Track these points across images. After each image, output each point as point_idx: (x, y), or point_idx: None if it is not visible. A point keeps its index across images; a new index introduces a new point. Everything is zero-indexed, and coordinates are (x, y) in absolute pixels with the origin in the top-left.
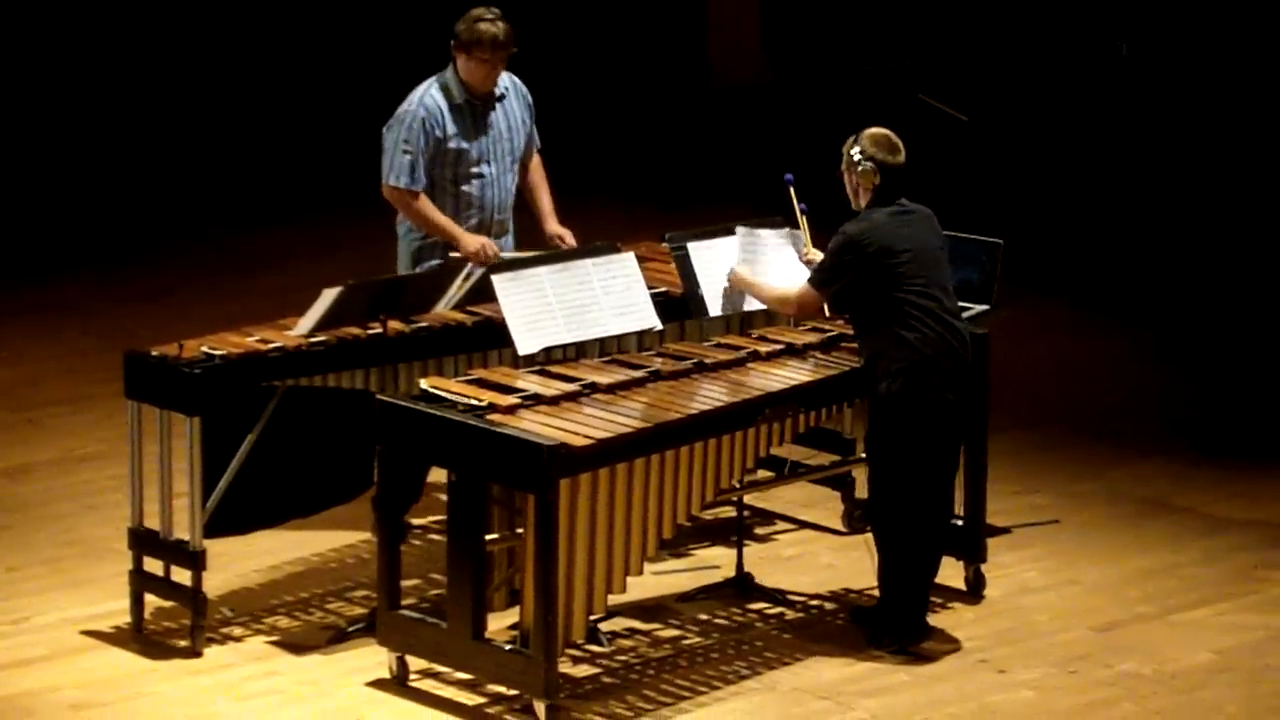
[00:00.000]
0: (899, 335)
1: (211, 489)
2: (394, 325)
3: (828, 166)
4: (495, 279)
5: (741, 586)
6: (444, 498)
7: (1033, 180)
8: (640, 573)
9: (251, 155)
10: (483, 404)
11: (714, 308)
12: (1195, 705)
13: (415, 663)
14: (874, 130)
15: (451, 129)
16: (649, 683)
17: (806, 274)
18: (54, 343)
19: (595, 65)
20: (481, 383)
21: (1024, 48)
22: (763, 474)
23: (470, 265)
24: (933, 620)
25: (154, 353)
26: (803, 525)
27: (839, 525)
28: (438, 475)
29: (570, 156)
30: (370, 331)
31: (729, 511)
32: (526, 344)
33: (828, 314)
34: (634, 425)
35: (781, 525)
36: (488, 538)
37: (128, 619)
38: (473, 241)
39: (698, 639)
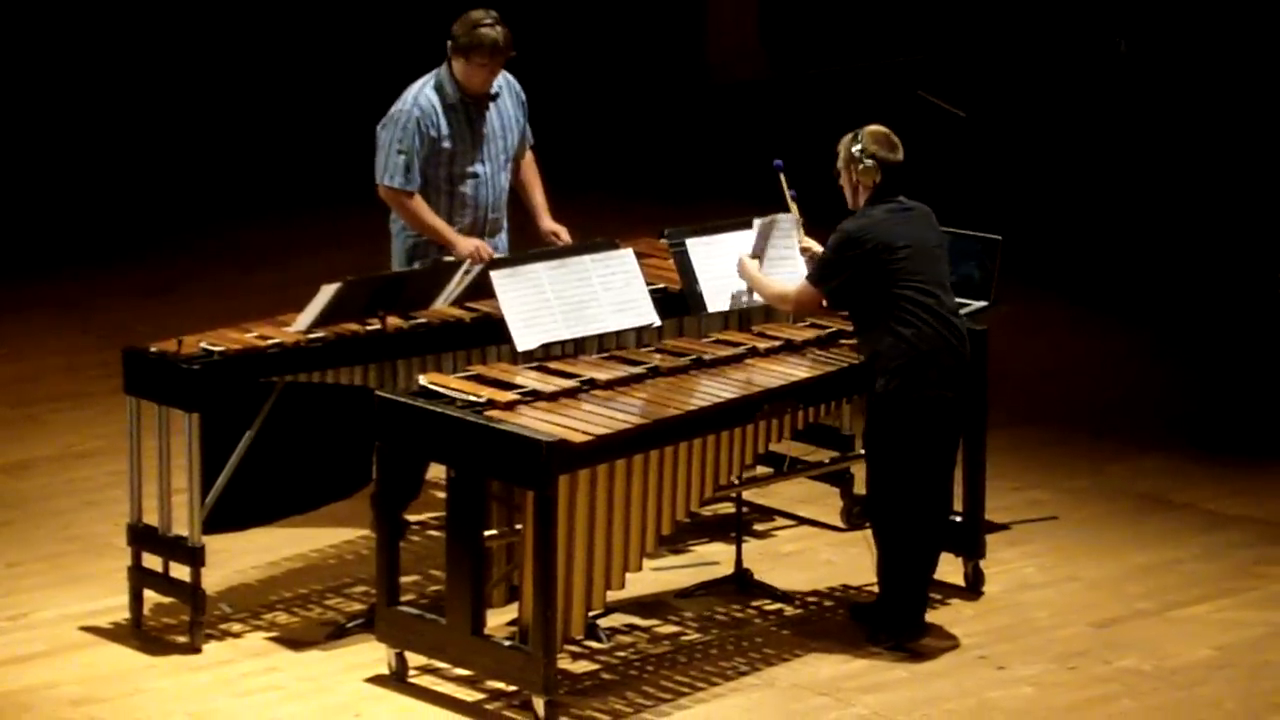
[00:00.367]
0: (897, 332)
1: (210, 485)
2: (393, 321)
3: (827, 163)
4: (494, 275)
5: (740, 583)
6: (442, 494)
7: (1031, 177)
8: (639, 569)
9: (250, 151)
10: (481, 400)
11: (713, 304)
12: (1194, 701)
13: (414, 659)
14: (874, 128)
15: (445, 129)
16: (648, 679)
17: (804, 271)
18: (54, 339)
19: (594, 62)
20: (480, 379)
21: (1022, 44)
22: (761, 470)
23: (469, 261)
24: (932, 616)
25: (153, 349)
26: (802, 521)
27: (838, 521)
28: (437, 471)
29: (569, 153)
30: (369, 328)
31: (728, 508)
32: (525, 340)
33: (824, 305)
34: (633, 421)
35: (780, 521)
36: (487, 534)
37: (127, 615)
38: (467, 245)
39: (697, 635)
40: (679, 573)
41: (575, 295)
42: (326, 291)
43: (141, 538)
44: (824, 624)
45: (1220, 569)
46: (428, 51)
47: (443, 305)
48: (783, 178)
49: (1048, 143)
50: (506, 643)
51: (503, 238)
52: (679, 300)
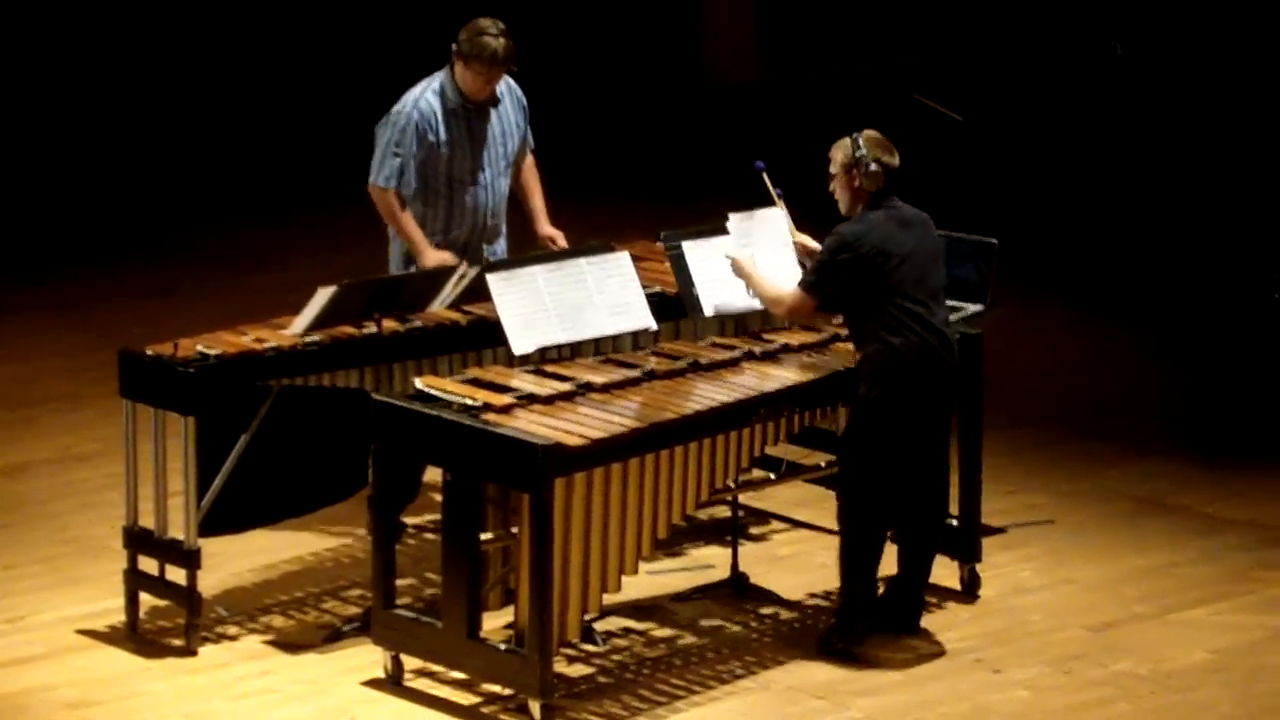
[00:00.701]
0: (886, 340)
1: (206, 488)
2: (389, 324)
3: (824, 165)
4: (490, 278)
5: (736, 586)
6: (439, 497)
7: (1028, 179)
8: (635, 572)
9: (248, 153)
10: (478, 403)
11: (709, 307)
12: (1191, 705)
13: (410, 662)
14: (870, 133)
15: (444, 134)
16: (644, 682)
17: (796, 267)
18: (51, 341)
19: (590, 64)
20: (476, 382)
21: (1018, 47)
22: (757, 474)
23: (465, 264)
24: (927, 620)
25: (149, 352)
26: (797, 525)
27: (834, 525)
28: (433, 475)
29: (565, 155)
30: (365, 331)
31: (724, 511)
32: (521, 343)
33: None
34: (629, 425)
35: (776, 525)
36: (483, 537)
37: (123, 618)
38: (432, 258)
39: (692, 638)
40: (675, 576)
41: (571, 298)
42: (323, 294)
43: (137, 540)
44: (819, 627)
45: (1217, 572)
46: (428, 53)
47: (439, 308)
48: (766, 178)
49: (1044, 146)
50: (502, 646)
51: (502, 243)
52: (675, 304)
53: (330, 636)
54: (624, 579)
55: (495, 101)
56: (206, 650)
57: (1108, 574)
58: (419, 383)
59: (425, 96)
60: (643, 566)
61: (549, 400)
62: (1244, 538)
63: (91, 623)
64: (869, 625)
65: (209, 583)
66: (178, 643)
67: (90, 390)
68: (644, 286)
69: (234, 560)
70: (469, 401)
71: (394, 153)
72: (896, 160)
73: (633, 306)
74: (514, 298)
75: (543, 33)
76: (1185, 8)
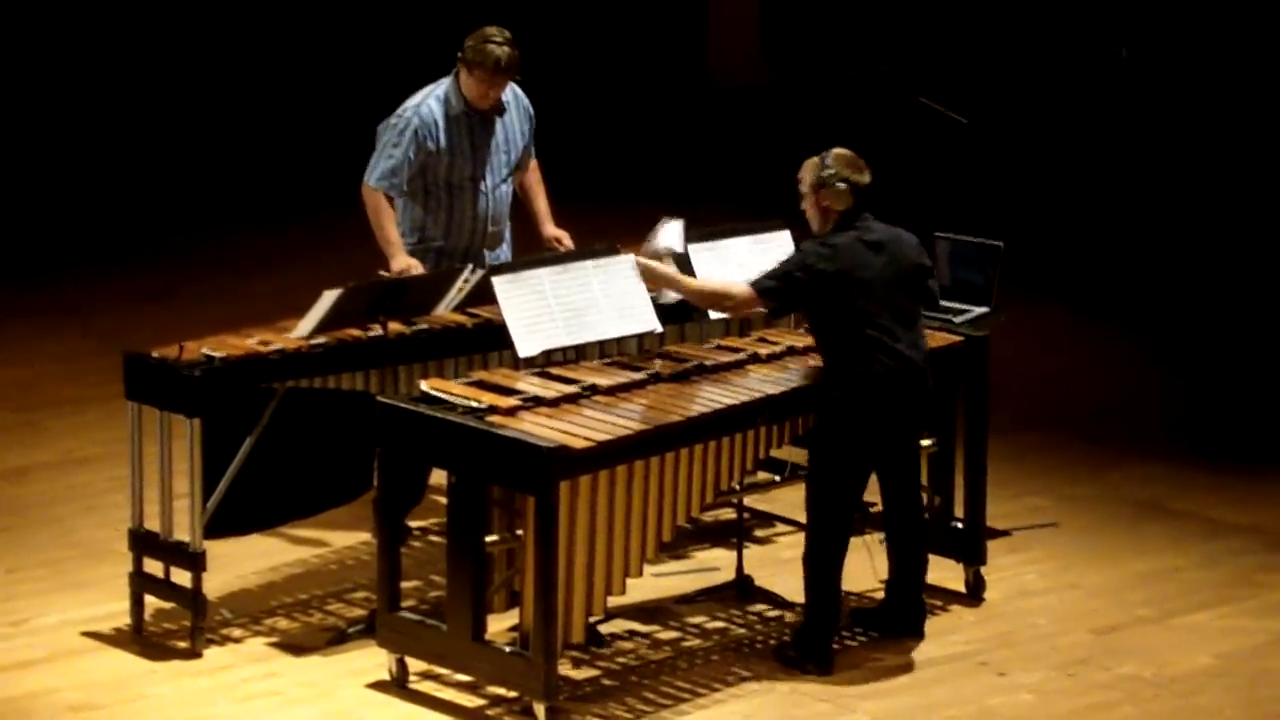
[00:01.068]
0: (847, 365)
1: (211, 490)
2: (394, 327)
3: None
4: (495, 281)
5: (741, 588)
6: (444, 500)
7: (1033, 183)
8: (640, 575)
9: (251, 156)
10: (483, 406)
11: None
12: (1194, 709)
13: (415, 664)
14: (840, 150)
15: (444, 140)
16: (649, 685)
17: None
18: (54, 344)
19: (596, 67)
20: (482, 384)
21: (1024, 51)
22: (763, 476)
23: (471, 267)
24: (932, 622)
25: (154, 354)
26: (802, 527)
27: None
28: (438, 477)
29: (571, 158)
30: (370, 333)
31: (729, 514)
32: (526, 346)
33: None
34: (634, 427)
35: (781, 527)
36: (487, 539)
37: (128, 620)
38: (400, 262)
39: (697, 641)
40: (680, 578)
41: (577, 301)
42: (328, 297)
43: (142, 543)
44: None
45: (1221, 576)
46: (431, 58)
47: (444, 311)
48: None
49: (1049, 149)
50: (507, 648)
51: (504, 250)
52: (680, 306)
53: (335, 639)
54: (629, 581)
55: (500, 110)
56: (211, 653)
57: (1111, 578)
58: (424, 385)
59: (428, 102)
60: (648, 569)
61: (554, 403)
62: (1247, 542)
63: (96, 625)
64: (832, 647)
65: (214, 585)
66: (183, 645)
67: (92, 393)
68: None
69: (239, 563)
70: (474, 404)
71: (389, 155)
72: (867, 178)
73: (638, 309)
74: (519, 300)
75: (549, 36)
76: (1190, 13)
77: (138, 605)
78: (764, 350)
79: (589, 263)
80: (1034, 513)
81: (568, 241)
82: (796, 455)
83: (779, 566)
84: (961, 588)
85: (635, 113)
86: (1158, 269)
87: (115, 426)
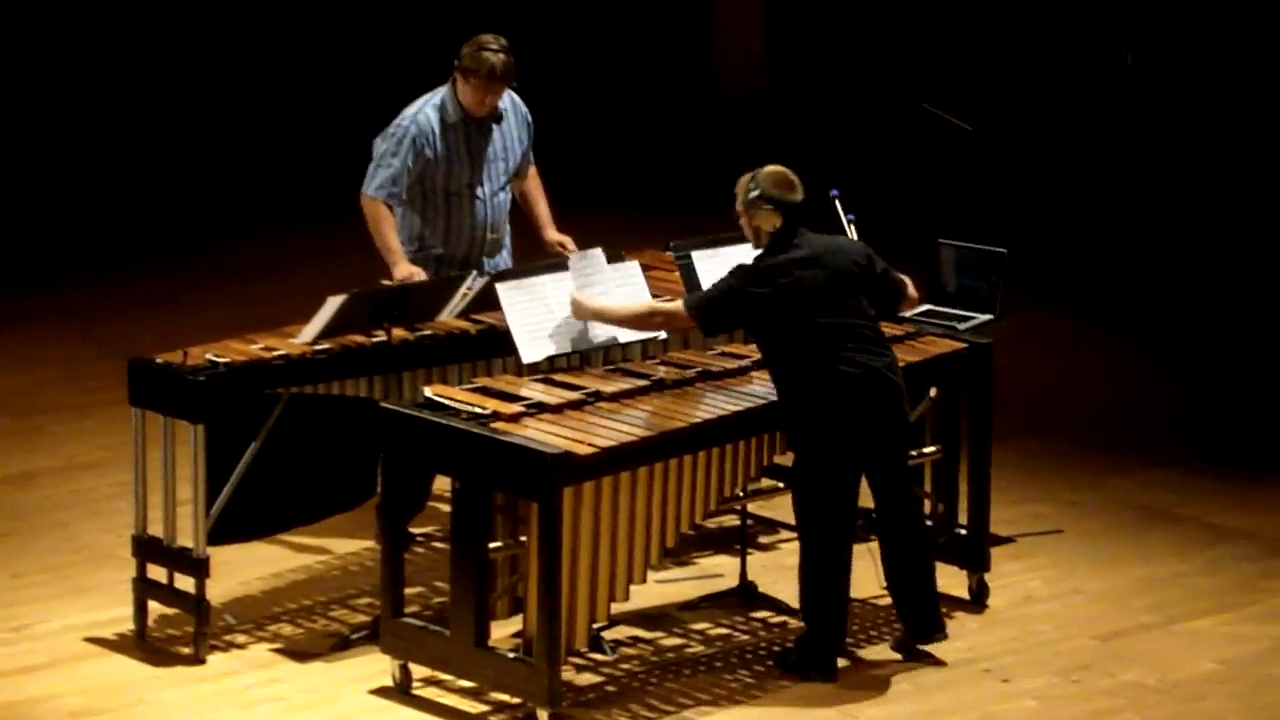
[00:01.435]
0: (804, 382)
1: (215, 496)
2: (398, 333)
3: (827, 174)
4: (499, 287)
5: (745, 595)
6: (447, 507)
7: (1037, 190)
8: (643, 581)
9: (254, 161)
10: (487, 412)
11: None
12: (1198, 715)
13: (418, 670)
14: (770, 168)
15: (442, 148)
16: (652, 691)
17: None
18: (57, 349)
19: (600, 73)
20: (486, 391)
21: (1028, 57)
22: (766, 482)
23: (474, 273)
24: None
25: (158, 360)
26: None
27: None
28: (442, 484)
29: (574, 165)
30: (375, 339)
31: (732, 520)
32: (530, 352)
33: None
34: (638, 434)
35: (785, 534)
36: (491, 545)
37: (131, 626)
38: (403, 270)
39: (701, 647)
40: (683, 585)
41: None
42: (332, 303)
43: (146, 549)
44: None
45: (1224, 583)
46: (432, 64)
47: (448, 317)
48: (838, 205)
49: (1053, 156)
50: (511, 654)
51: (504, 257)
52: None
53: (339, 645)
54: (632, 588)
55: (498, 117)
56: (215, 659)
57: (1115, 584)
58: (428, 391)
59: (425, 111)
60: (651, 575)
61: (558, 409)
62: (1250, 548)
63: (99, 631)
64: (836, 656)
65: (217, 591)
66: (186, 651)
67: (95, 399)
68: (654, 295)
69: (243, 569)
70: (478, 410)
71: (387, 164)
72: (798, 196)
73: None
74: (523, 307)
75: (553, 42)
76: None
77: (141, 611)
78: None
79: (602, 255)
80: (1037, 519)
81: (571, 245)
82: None
83: (783, 573)
84: (965, 594)
85: (639, 119)
86: (1161, 275)
87: (118, 432)
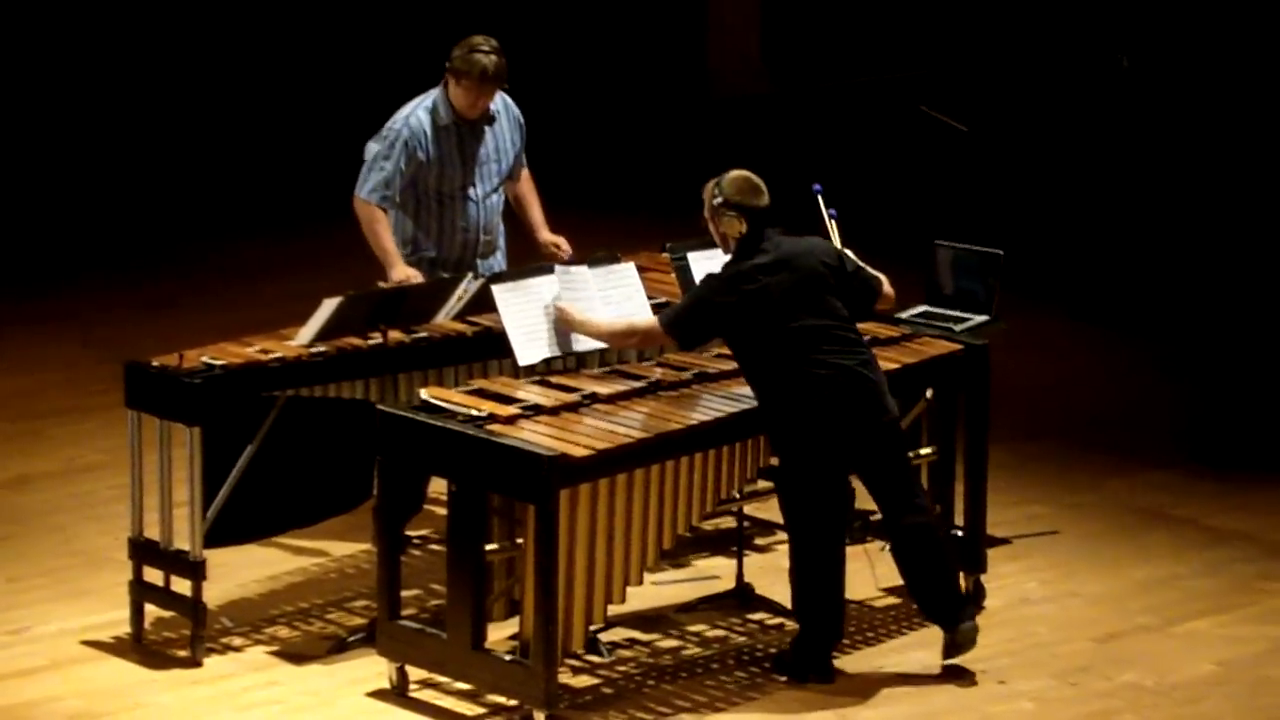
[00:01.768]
0: (780, 385)
1: (212, 499)
2: (394, 335)
3: (826, 175)
4: (495, 289)
5: (742, 597)
6: (443, 509)
7: (1033, 191)
8: (640, 583)
9: (250, 165)
10: (483, 414)
11: None
12: (1196, 717)
13: (415, 673)
14: (734, 173)
15: (434, 150)
16: (649, 693)
17: (644, 307)
18: (54, 353)
19: (596, 75)
20: (482, 393)
21: (1025, 59)
22: (763, 484)
23: (470, 275)
24: (932, 631)
25: (154, 363)
26: None
27: None
28: (438, 486)
29: (571, 166)
30: (371, 342)
31: (729, 522)
32: (526, 354)
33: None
34: (634, 436)
35: (781, 536)
36: (487, 548)
37: (128, 629)
38: (400, 272)
39: (697, 649)
40: (680, 587)
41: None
42: (328, 305)
43: (143, 552)
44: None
45: (1221, 584)
46: (427, 67)
47: (444, 319)
48: (820, 200)
49: (1050, 158)
50: (507, 657)
51: (498, 258)
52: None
53: (335, 648)
54: (629, 590)
55: (490, 119)
56: (211, 661)
57: (1112, 586)
58: (424, 393)
59: (416, 113)
60: (648, 577)
61: (554, 411)
62: (1247, 550)
63: (96, 634)
64: (832, 657)
65: (214, 594)
66: (183, 654)
67: (93, 402)
68: (650, 297)
69: (239, 571)
70: (474, 412)
71: (380, 167)
72: (761, 200)
73: (639, 317)
74: (519, 308)
75: (549, 44)
76: (1191, 21)
77: (138, 614)
78: None
79: (589, 271)
80: (1034, 521)
81: (565, 246)
82: None
83: (779, 575)
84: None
85: (636, 121)
86: (1158, 277)
87: (117, 435)
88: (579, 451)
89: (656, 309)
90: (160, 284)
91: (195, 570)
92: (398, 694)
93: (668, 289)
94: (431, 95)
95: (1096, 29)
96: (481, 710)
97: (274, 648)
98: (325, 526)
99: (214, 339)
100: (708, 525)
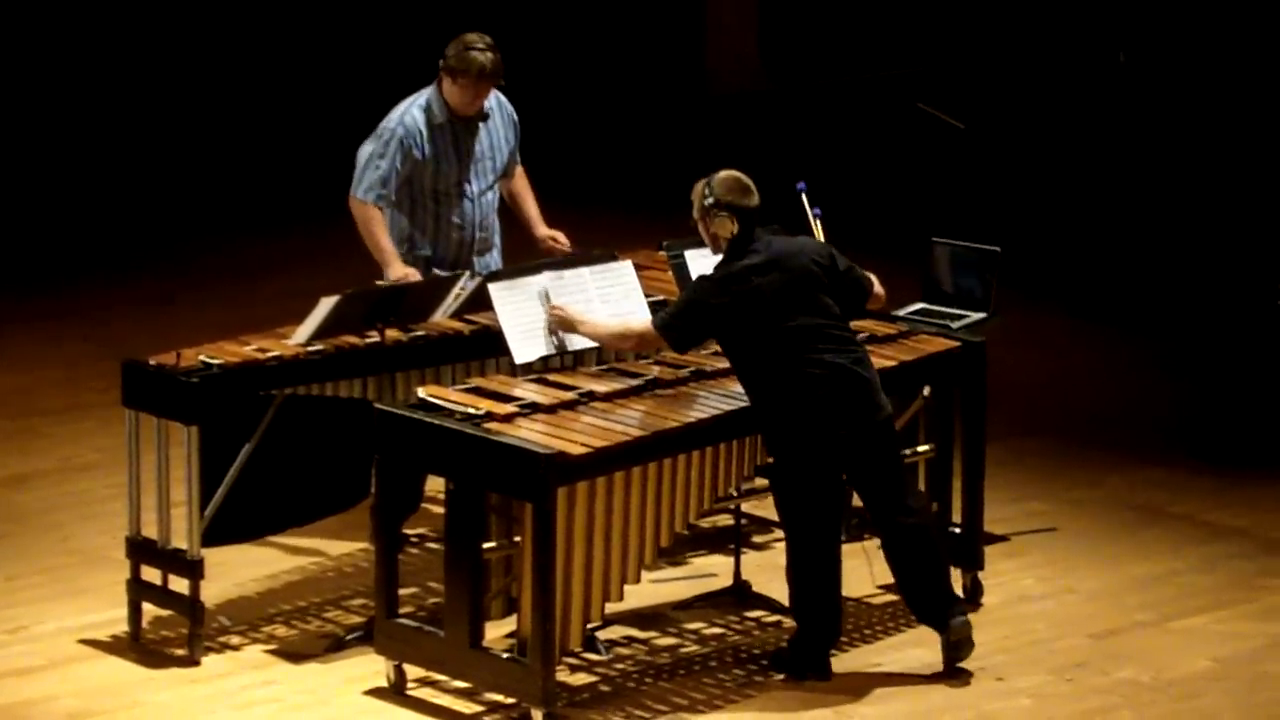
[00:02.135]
0: (772, 385)
1: (209, 498)
2: (392, 334)
3: (826, 175)
4: (492, 288)
5: (739, 594)
6: (441, 508)
7: (1031, 188)
8: (638, 581)
9: (250, 163)
10: (480, 412)
11: None
12: (1193, 713)
13: (413, 671)
14: (724, 174)
15: (429, 149)
16: (646, 691)
17: (641, 306)
18: (53, 351)
19: (593, 73)
20: (479, 391)
21: (1022, 56)
22: (760, 482)
23: (468, 274)
24: (930, 630)
25: (152, 362)
26: None
27: None
28: (435, 484)
29: (568, 164)
30: (368, 340)
31: (726, 520)
32: (523, 352)
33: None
34: (632, 434)
35: (779, 533)
36: (485, 546)
37: (125, 628)
38: (397, 271)
39: (695, 647)
40: (677, 585)
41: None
42: (325, 304)
43: (140, 550)
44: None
45: (1219, 581)
46: (423, 65)
47: (441, 318)
48: (804, 199)
49: (1047, 154)
50: (505, 655)
51: (493, 255)
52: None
53: (333, 646)
54: (627, 587)
55: (484, 116)
56: (209, 660)
57: (1110, 582)
58: (422, 392)
59: (411, 112)
60: (645, 575)
61: (552, 409)
62: (1245, 546)
63: (94, 633)
64: (829, 655)
65: (212, 592)
66: (181, 653)
67: (91, 400)
68: (647, 295)
69: (237, 570)
70: (472, 410)
71: (375, 166)
72: (751, 200)
73: (636, 315)
74: (516, 307)
75: (547, 42)
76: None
77: (135, 612)
78: None
79: (586, 269)
80: (1032, 517)
81: (563, 240)
82: None
83: (776, 572)
84: (959, 592)
85: (634, 118)
86: (1156, 274)
87: (114, 433)
88: (576, 450)
89: (654, 308)
90: (158, 282)
91: (193, 569)
92: (395, 692)
93: (666, 287)
94: (425, 94)
95: (1094, 25)
96: (479, 708)
97: (272, 646)
98: (323, 525)
99: (212, 337)
100: (705, 523)
